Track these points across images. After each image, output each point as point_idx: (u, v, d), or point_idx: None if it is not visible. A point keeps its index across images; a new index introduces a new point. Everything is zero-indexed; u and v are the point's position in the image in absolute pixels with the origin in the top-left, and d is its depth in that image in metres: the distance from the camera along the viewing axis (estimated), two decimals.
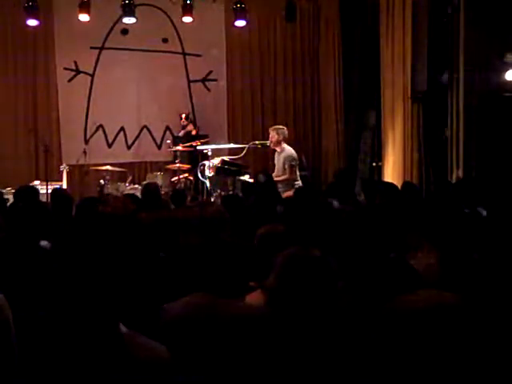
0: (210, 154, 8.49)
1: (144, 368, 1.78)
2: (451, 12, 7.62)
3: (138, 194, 7.28)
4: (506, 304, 1.96)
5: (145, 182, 8.26)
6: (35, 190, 5.62)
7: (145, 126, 10.57)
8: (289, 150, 7.75)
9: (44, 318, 2.24)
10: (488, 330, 1.71)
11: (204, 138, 9.61)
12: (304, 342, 2.01)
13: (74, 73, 10.25)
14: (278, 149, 7.80)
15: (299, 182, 7.59)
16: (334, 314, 2.08)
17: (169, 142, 9.69)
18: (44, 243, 3.25)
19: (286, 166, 7.59)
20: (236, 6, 9.72)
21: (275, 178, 7.55)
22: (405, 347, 1.58)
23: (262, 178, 6.41)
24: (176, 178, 9.10)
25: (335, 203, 4.86)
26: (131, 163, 10.41)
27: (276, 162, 7.84)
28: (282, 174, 7.57)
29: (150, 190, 5.38)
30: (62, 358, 1.77)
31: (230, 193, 7.37)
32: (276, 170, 7.72)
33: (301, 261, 2.20)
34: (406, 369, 1.58)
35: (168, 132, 10.57)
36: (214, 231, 3.41)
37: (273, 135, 7.78)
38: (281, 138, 7.74)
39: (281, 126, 8.04)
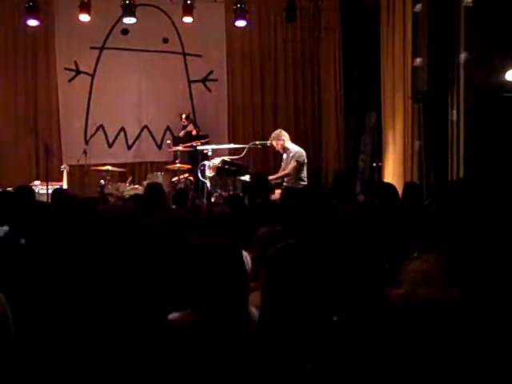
0: (210, 154, 8.51)
1: None
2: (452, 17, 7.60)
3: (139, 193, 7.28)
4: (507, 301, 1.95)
5: (146, 182, 8.26)
6: (31, 191, 5.69)
7: (145, 126, 10.57)
8: (296, 148, 7.88)
9: (43, 316, 2.24)
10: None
11: (204, 138, 9.61)
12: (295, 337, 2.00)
13: (74, 73, 10.26)
14: (287, 151, 7.92)
15: (305, 182, 7.67)
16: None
17: (169, 142, 9.69)
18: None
19: (291, 161, 7.68)
20: (236, 6, 9.74)
21: (277, 174, 7.63)
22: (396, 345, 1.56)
23: None
24: (176, 178, 9.09)
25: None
26: (131, 163, 10.43)
27: (284, 163, 7.93)
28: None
29: (152, 189, 5.37)
30: (61, 355, 1.77)
31: (231, 193, 7.37)
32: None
33: (289, 253, 2.20)
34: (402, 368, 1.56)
35: (168, 132, 10.57)
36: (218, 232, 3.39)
37: (276, 143, 7.89)
38: (283, 141, 7.84)
39: (277, 132, 8.09)
